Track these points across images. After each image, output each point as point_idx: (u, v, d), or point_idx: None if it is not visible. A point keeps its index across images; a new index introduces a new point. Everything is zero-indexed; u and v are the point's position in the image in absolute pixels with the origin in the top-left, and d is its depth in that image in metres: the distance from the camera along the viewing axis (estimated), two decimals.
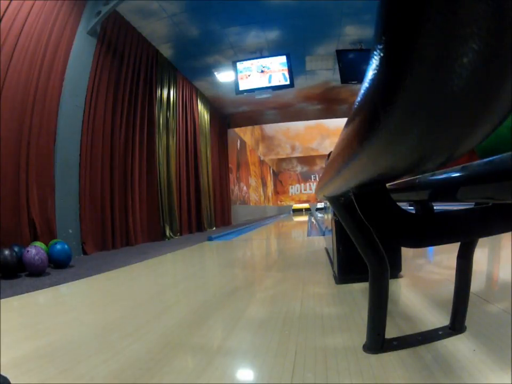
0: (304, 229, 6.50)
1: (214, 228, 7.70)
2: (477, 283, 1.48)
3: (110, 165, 4.31)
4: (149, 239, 5.06)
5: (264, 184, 19.51)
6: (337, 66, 6.01)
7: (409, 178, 0.73)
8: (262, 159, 19.25)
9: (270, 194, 21.55)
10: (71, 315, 1.49)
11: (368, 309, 0.95)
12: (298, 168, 23.99)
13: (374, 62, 0.23)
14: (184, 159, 6.56)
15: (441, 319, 1.11)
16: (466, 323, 1.01)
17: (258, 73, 6.18)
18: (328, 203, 2.12)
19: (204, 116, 7.83)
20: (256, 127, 16.17)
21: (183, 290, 1.94)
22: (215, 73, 6.79)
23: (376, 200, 0.66)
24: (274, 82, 6.20)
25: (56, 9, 3.46)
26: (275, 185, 23.53)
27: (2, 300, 1.72)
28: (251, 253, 3.82)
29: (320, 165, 20.22)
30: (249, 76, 6.23)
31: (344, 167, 0.53)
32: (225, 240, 5.06)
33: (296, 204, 22.19)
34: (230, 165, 10.71)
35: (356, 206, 0.70)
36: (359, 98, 0.31)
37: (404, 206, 0.78)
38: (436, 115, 0.22)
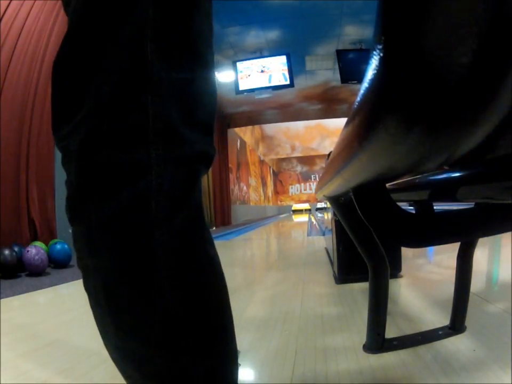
0: (304, 229, 6.49)
1: (214, 228, 7.70)
2: (477, 283, 1.48)
3: None
4: None
5: (264, 184, 19.51)
6: (337, 66, 6.01)
7: (409, 178, 0.73)
8: (262, 159, 19.26)
9: (270, 194, 21.56)
10: (71, 315, 1.49)
11: (368, 309, 0.95)
12: (298, 168, 24.00)
13: (374, 62, 0.23)
14: None
15: (441, 319, 1.11)
16: (466, 323, 1.01)
17: (258, 73, 6.18)
18: (328, 203, 2.12)
19: None
20: (256, 127, 16.18)
21: None
22: (215, 72, 6.78)
23: (376, 200, 0.66)
24: (274, 82, 6.20)
25: (56, 9, 3.46)
26: (275, 185, 23.54)
27: (2, 300, 1.72)
28: (251, 253, 3.82)
29: (320, 164, 20.22)
30: (249, 75, 6.23)
31: (344, 167, 0.53)
32: (225, 240, 5.06)
33: (296, 203, 22.14)
34: (230, 165, 10.72)
35: (356, 206, 0.70)
36: (359, 98, 0.31)
37: (404, 206, 0.78)
38: (436, 115, 0.22)
